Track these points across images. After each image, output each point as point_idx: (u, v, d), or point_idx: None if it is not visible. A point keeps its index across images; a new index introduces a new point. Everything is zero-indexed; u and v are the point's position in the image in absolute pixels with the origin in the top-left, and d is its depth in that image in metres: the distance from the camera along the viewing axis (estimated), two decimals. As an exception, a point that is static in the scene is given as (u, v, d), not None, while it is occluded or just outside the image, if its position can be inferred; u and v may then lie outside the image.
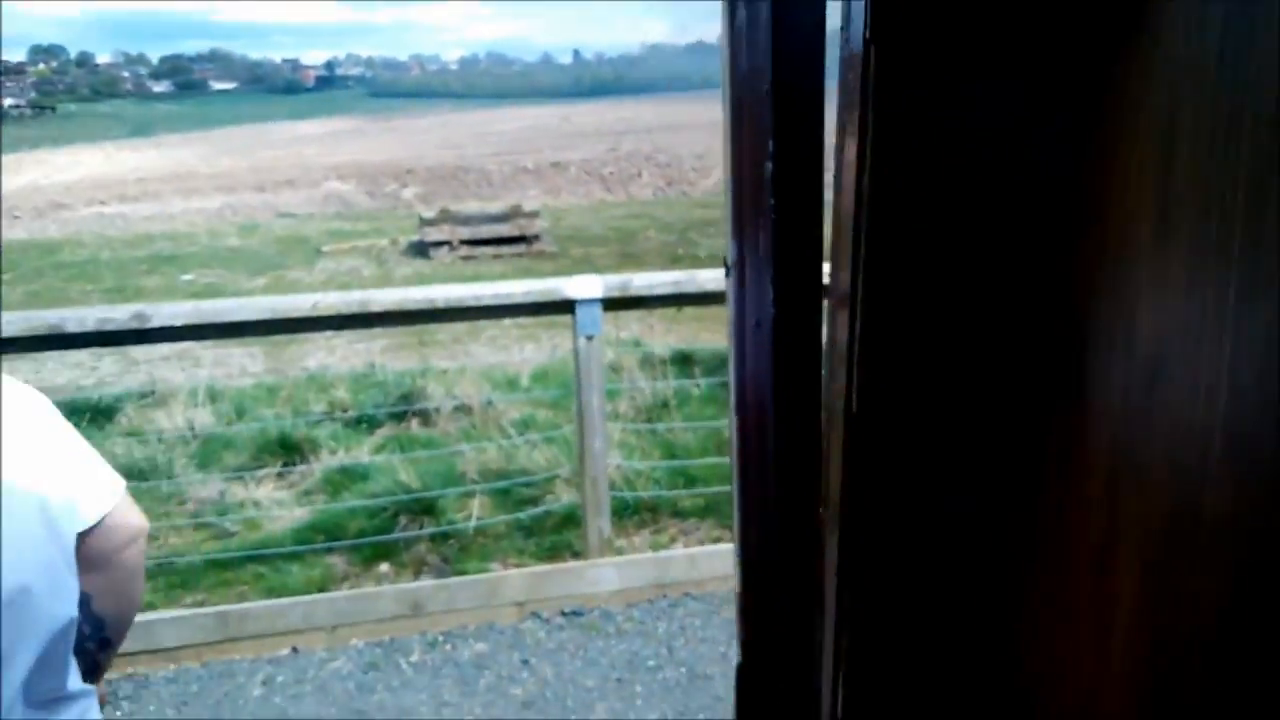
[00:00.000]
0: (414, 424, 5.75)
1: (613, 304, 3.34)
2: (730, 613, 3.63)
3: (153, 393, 6.42)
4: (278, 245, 20.09)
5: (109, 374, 9.70)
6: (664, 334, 8.48)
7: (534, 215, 18.99)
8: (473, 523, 4.23)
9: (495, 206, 20.56)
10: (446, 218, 18.51)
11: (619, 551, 3.91)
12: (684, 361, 6.54)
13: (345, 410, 6.02)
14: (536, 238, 18.63)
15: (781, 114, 0.87)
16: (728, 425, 1.14)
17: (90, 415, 5.86)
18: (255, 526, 4.49)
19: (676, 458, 4.88)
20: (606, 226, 22.15)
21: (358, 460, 5.10)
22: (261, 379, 8.38)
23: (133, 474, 4.97)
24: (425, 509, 4.34)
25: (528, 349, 10.38)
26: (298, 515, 4.61)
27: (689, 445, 4.93)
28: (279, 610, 3.29)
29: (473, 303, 3.30)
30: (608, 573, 3.50)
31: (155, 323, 3.04)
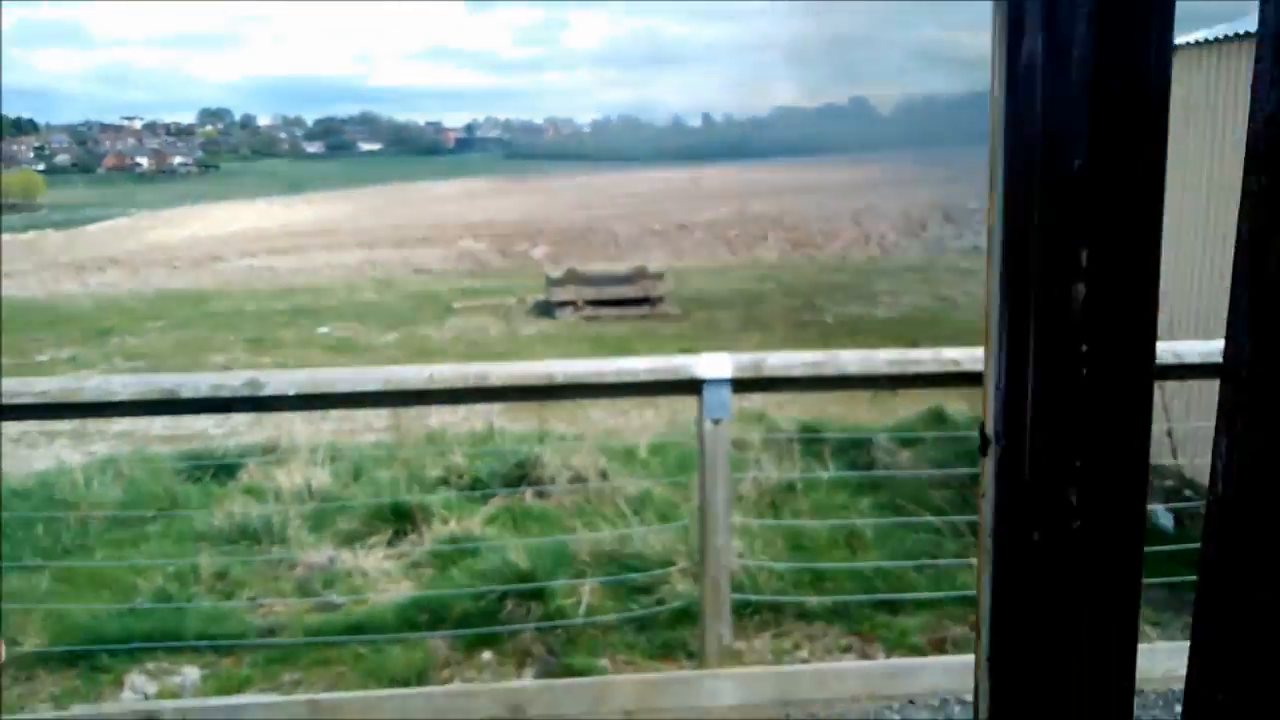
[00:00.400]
0: (528, 495, 5.56)
1: (744, 385, 3.06)
2: (867, 748, 3.22)
3: (276, 448, 6.46)
4: (411, 301, 20.67)
5: (240, 423, 9.98)
6: (788, 405, 8.10)
7: (658, 277, 18.94)
8: (582, 612, 3.96)
9: (620, 268, 20.66)
10: (573, 278, 18.67)
11: (738, 658, 3.56)
12: (811, 441, 6.16)
13: (461, 476, 5.89)
14: (660, 299, 18.56)
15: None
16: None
17: (214, 470, 5.91)
18: (361, 599, 4.33)
19: (803, 551, 4.50)
20: (731, 289, 21.94)
21: (469, 532, 4.92)
22: (382, 437, 8.40)
23: (247, 534, 4.93)
24: (534, 592, 4.10)
25: (647, 415, 10.15)
26: (404, 589, 4.44)
27: (816, 538, 4.55)
28: (373, 703, 3.08)
29: (593, 379, 3.07)
30: (726, 685, 3.15)
31: (269, 390, 2.93)
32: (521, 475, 5.73)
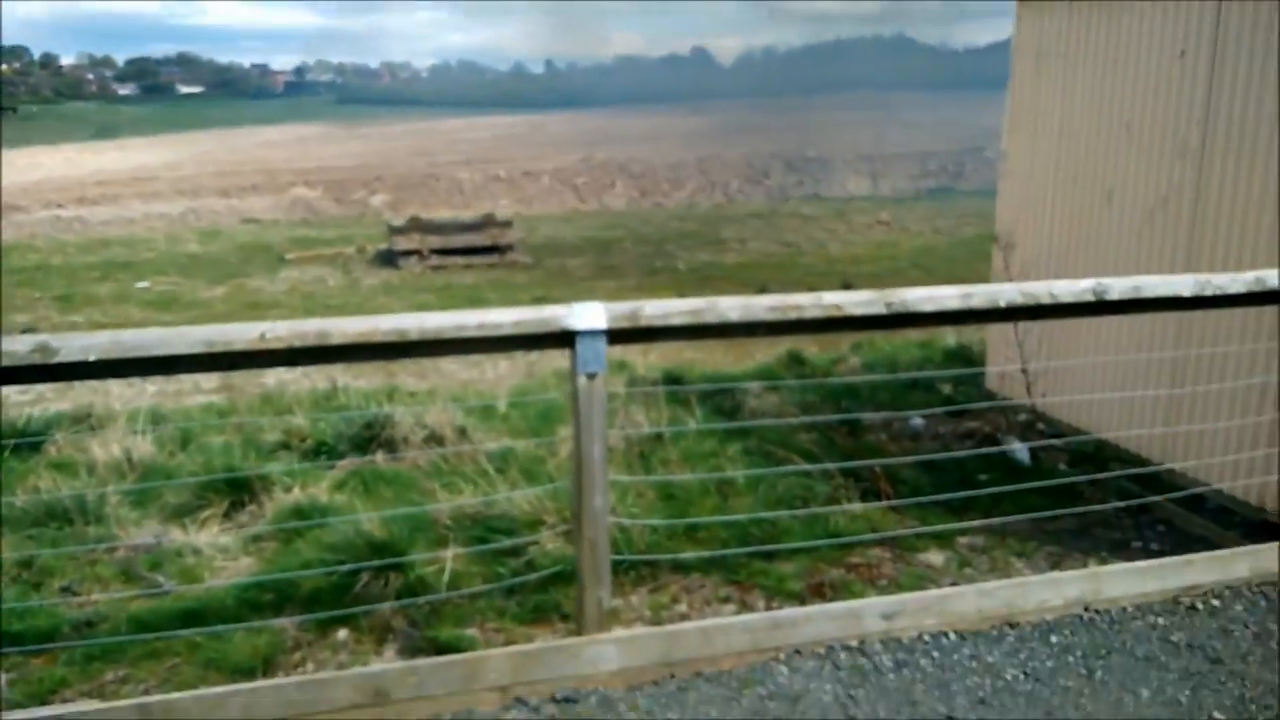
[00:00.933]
0: (379, 457, 5.19)
1: (619, 336, 2.83)
2: (752, 698, 3.12)
3: (89, 416, 5.79)
4: (240, 252, 19.35)
5: (47, 388, 9.00)
6: (649, 353, 7.96)
7: (507, 225, 18.44)
8: (445, 581, 3.69)
9: (467, 215, 19.99)
10: (417, 226, 17.91)
11: (616, 618, 3.39)
12: (674, 384, 6.05)
13: (303, 440, 5.45)
14: (510, 248, 18.08)
15: None
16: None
17: (14, 445, 5.24)
18: (194, 579, 3.91)
19: (674, 502, 4.37)
20: (581, 237, 21.63)
21: (315, 500, 4.53)
22: (213, 400, 7.76)
23: (55, 515, 4.37)
24: (391, 565, 3.79)
25: (502, 366, 9.83)
26: (244, 566, 4.04)
27: (689, 489, 4.42)
28: (213, 701, 2.72)
29: (452, 334, 2.77)
30: (607, 651, 2.97)
31: (63, 357, 2.48)
32: (371, 437, 5.35)
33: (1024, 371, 5.29)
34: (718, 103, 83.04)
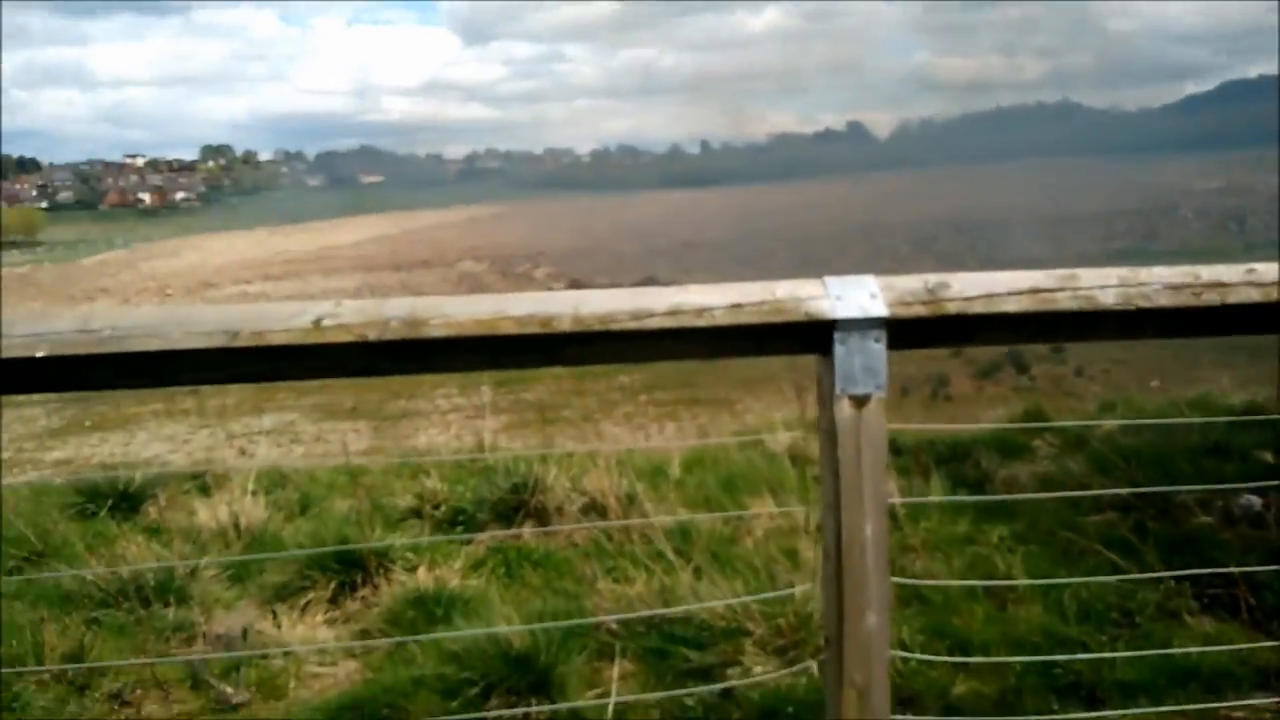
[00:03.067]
0: (527, 529, 4.13)
1: (908, 331, 1.64)
2: None
3: (204, 474, 5.05)
4: (404, 320, 19.38)
5: (204, 446, 8.60)
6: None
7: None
8: (610, 714, 2.53)
9: (627, 284, 19.31)
10: (577, 291, 17.34)
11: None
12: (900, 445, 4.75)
13: (438, 506, 4.47)
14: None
15: None
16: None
17: (114, 501, 4.51)
18: (275, 691, 2.91)
19: (926, 608, 3.07)
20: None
21: (443, 585, 3.50)
22: (354, 457, 6.98)
23: (130, 592, 3.51)
24: (536, 679, 2.67)
25: (669, 429, 8.74)
26: (341, 675, 3.01)
27: (949, 595, 3.10)
28: None
29: (627, 323, 1.67)
30: None
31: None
32: (518, 504, 4.31)
33: None
34: (876, 174, 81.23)
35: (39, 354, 1.47)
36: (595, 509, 4.23)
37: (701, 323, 1.70)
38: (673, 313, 1.69)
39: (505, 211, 66.87)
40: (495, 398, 9.91)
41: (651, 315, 1.68)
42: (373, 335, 1.55)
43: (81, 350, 1.48)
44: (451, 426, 9.05)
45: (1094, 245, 28.07)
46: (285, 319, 1.53)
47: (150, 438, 8.86)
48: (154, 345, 1.49)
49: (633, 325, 1.68)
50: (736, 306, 1.70)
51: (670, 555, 3.38)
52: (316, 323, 1.54)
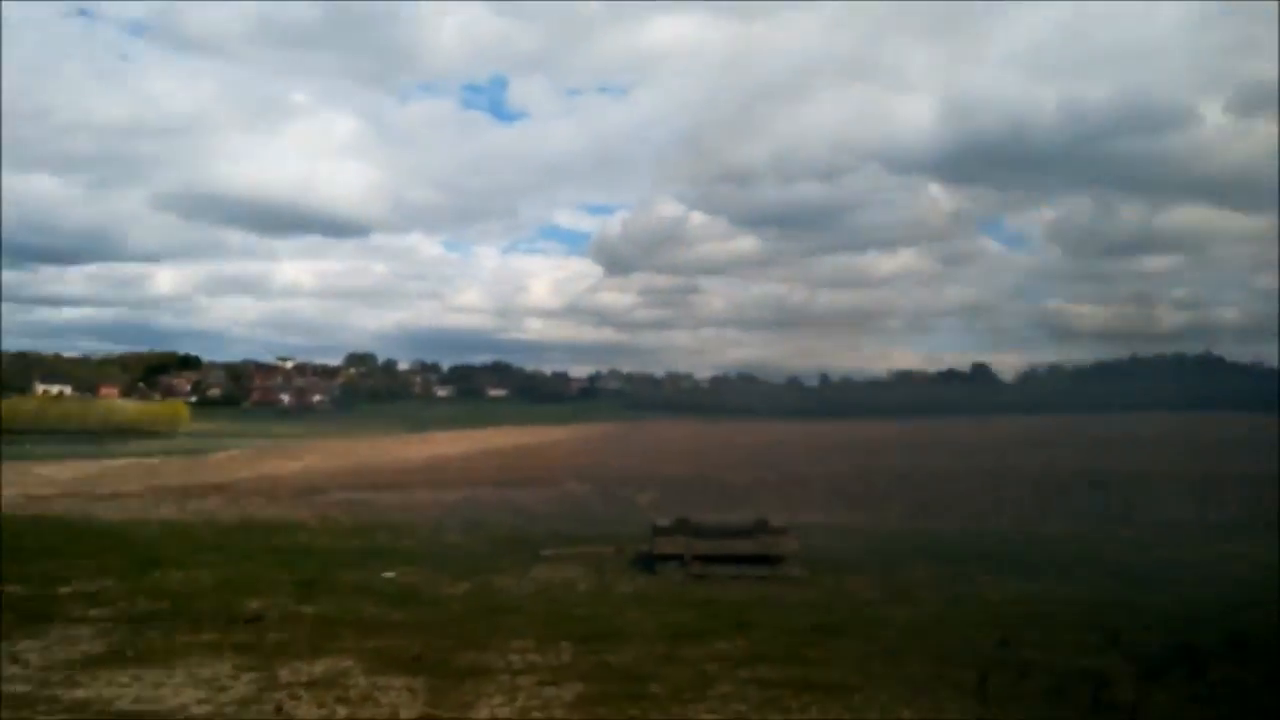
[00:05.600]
0: None
1: None
2: None
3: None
4: (498, 545, 18.50)
5: (240, 696, 7.64)
6: None
7: (781, 533, 16.26)
8: None
9: (738, 519, 18.05)
10: (683, 528, 16.19)
11: None
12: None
13: None
14: (782, 559, 15.77)
15: None
16: None
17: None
18: None
19: None
20: (859, 550, 18.93)
21: None
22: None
23: None
24: None
25: (769, 725, 7.32)
26: None
27: None
28: None
29: None
30: None
31: None
32: None
33: None
34: (1000, 417, 78.68)
35: None
36: None
37: None
38: None
39: (617, 431, 66.98)
40: (575, 657, 8.68)
41: None
42: None
43: None
44: (520, 695, 7.86)
45: (1246, 510, 25.22)
46: None
47: (187, 679, 7.98)
48: None
49: None
50: None
51: None
52: None
